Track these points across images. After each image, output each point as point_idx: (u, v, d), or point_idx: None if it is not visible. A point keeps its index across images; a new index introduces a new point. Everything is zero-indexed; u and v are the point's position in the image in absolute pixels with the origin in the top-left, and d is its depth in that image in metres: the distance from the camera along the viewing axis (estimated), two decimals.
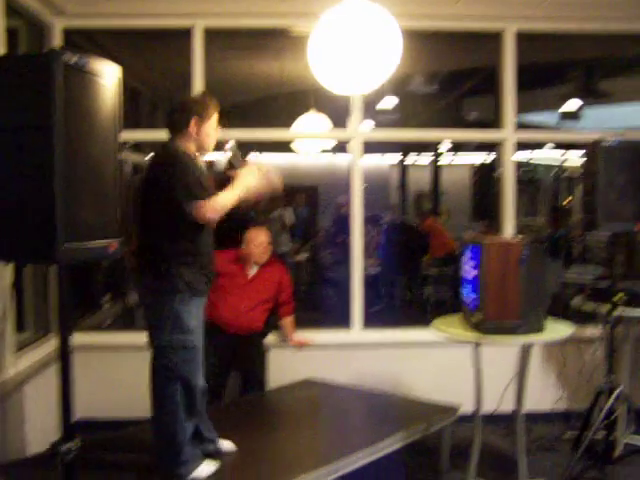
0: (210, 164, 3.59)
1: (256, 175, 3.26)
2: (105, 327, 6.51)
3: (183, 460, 3.26)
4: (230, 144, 3.47)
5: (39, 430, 4.14)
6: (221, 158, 3.58)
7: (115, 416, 4.64)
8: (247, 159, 3.47)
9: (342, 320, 5.47)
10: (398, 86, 8.60)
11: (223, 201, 3.13)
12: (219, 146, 3.51)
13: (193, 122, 3.30)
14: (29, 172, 2.02)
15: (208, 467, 3.34)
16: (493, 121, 5.58)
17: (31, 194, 2.02)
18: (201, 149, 3.39)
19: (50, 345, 4.61)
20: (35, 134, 1.99)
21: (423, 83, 8.80)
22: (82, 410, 4.44)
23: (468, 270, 3.81)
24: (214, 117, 3.39)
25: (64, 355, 2.24)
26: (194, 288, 3.24)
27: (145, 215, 3.25)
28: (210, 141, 3.41)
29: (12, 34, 4.13)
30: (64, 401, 2.22)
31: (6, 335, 4.05)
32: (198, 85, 5.11)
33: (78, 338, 4.91)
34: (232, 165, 3.43)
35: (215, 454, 3.54)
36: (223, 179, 3.43)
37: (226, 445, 3.66)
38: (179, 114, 3.33)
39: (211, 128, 3.38)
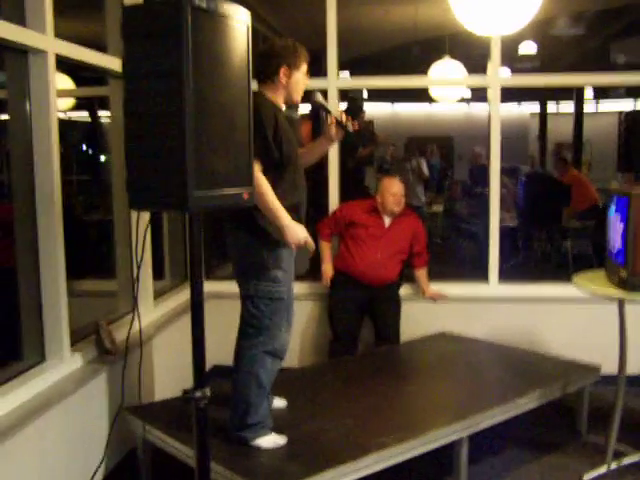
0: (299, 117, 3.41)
1: (299, 238, 3.06)
2: None
3: (250, 423, 3.14)
4: (316, 96, 3.37)
5: (175, 375, 4.30)
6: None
7: None
8: (335, 109, 3.36)
9: (478, 273, 5.34)
10: (540, 30, 8.20)
11: (260, 183, 2.94)
12: (306, 98, 3.35)
13: (282, 71, 3.15)
14: (161, 120, 2.02)
15: (274, 439, 3.18)
16: None
17: (163, 142, 2.02)
18: (289, 100, 3.25)
19: (186, 293, 4.75)
20: (166, 80, 1.98)
21: (568, 25, 8.32)
22: (216, 358, 4.59)
23: (614, 223, 3.58)
24: (304, 67, 3.22)
25: (195, 303, 2.26)
26: (279, 239, 3.09)
27: None
28: (299, 92, 3.24)
29: None
30: (196, 349, 2.25)
31: (144, 282, 4.20)
32: (332, 34, 5.02)
33: (213, 287, 5.06)
34: (325, 112, 3.34)
35: None
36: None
37: (279, 402, 3.60)
38: (267, 61, 3.17)
39: (300, 78, 3.21)
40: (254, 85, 3.19)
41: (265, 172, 3.01)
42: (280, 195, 3.05)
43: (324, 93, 4.80)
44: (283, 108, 3.25)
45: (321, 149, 3.49)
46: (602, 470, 3.63)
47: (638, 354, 3.92)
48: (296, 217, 3.13)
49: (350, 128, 3.29)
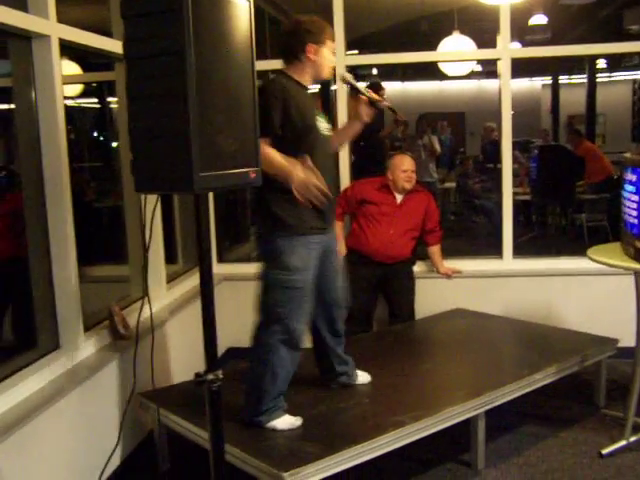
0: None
1: (300, 179, 2.91)
2: (253, 258, 6.65)
3: (263, 409, 3.13)
4: (345, 77, 3.32)
5: (191, 359, 4.30)
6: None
7: None
8: (365, 88, 3.30)
9: (492, 249, 5.31)
10: (549, 0, 8.07)
11: (267, 155, 2.87)
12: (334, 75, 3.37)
13: (309, 49, 3.13)
14: (164, 100, 1.99)
15: (290, 420, 3.16)
16: None
17: (167, 123, 1.99)
18: (317, 77, 3.23)
19: (198, 277, 4.74)
20: (168, 60, 1.95)
21: None
22: (231, 340, 4.58)
23: (629, 194, 3.53)
24: (330, 43, 3.19)
25: (204, 283, 2.24)
26: (298, 226, 3.08)
27: None
28: (327, 68, 3.22)
29: None
30: (207, 332, 2.24)
31: (156, 267, 4.20)
32: (338, 12, 4.96)
33: (226, 269, 5.06)
34: (355, 91, 3.29)
35: (348, 386, 3.56)
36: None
37: (362, 377, 3.65)
38: (293, 40, 3.15)
39: (327, 54, 3.19)
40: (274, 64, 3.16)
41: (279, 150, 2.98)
42: None
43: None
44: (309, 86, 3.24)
45: (352, 130, 3.43)
46: (621, 444, 3.60)
47: None
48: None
49: (381, 106, 3.26)
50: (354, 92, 3.30)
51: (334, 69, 3.34)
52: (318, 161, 3.10)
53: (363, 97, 3.25)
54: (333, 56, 3.25)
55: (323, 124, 3.24)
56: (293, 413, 3.21)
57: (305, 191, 2.93)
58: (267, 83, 3.08)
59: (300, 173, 2.92)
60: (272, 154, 2.94)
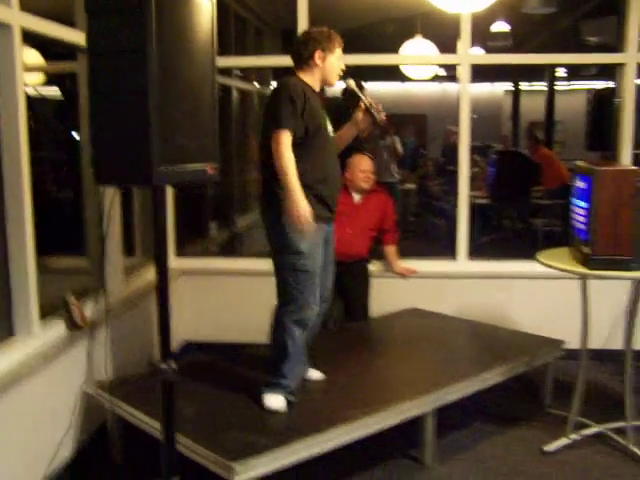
0: (326, 99, 3.61)
1: (300, 214, 3.16)
2: (212, 253, 6.67)
3: (273, 382, 3.38)
4: (350, 84, 3.48)
5: (146, 351, 4.32)
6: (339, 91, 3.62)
7: (222, 340, 4.77)
8: (365, 97, 3.46)
9: (449, 250, 5.39)
10: (511, 8, 8.20)
11: (284, 157, 3.15)
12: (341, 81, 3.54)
13: (317, 55, 3.35)
14: (126, 96, 2.04)
15: (281, 402, 3.37)
16: (615, 45, 5.23)
17: (128, 118, 2.04)
18: (325, 82, 3.44)
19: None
20: (130, 57, 1.99)
21: (539, 4, 8.31)
22: (189, 334, 4.61)
23: (578, 200, 3.64)
24: (338, 51, 3.41)
25: (161, 279, 2.28)
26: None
27: (263, 141, 3.34)
28: (334, 75, 3.44)
29: None
30: (161, 322, 2.28)
31: (113, 259, 4.20)
32: (302, 11, 5.00)
33: (185, 263, 5.08)
34: (352, 99, 3.46)
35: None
36: (342, 111, 3.46)
37: (314, 374, 3.77)
38: (303, 46, 3.38)
39: (335, 62, 3.41)
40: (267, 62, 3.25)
41: (293, 146, 3.20)
42: (306, 168, 3.24)
43: None
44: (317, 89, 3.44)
45: (348, 134, 3.63)
46: (563, 441, 3.72)
47: (600, 329, 4.01)
48: (325, 190, 3.32)
49: (378, 118, 3.46)
50: (354, 98, 3.50)
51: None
52: (329, 159, 3.40)
53: (362, 104, 3.47)
54: (341, 63, 3.45)
55: (329, 125, 3.46)
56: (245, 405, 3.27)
57: (297, 221, 3.16)
58: (287, 81, 3.29)
59: (304, 207, 3.15)
60: (292, 167, 3.16)
